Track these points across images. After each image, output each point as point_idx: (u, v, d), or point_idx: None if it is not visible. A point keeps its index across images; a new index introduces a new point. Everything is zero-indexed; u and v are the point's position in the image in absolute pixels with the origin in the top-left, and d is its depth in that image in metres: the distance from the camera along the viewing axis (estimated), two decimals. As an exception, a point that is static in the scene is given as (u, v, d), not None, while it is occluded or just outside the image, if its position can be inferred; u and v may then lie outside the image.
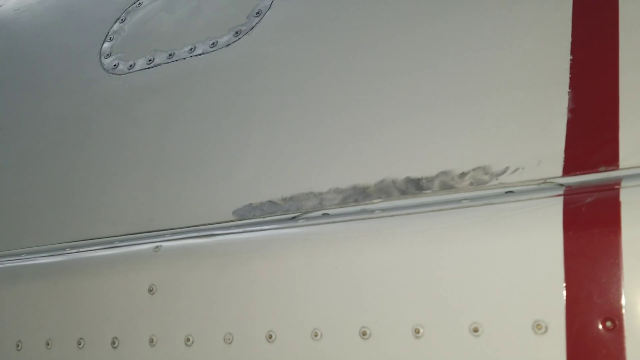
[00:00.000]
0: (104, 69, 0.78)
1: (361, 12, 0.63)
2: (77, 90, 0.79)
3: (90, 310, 0.60)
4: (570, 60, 0.50)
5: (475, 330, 0.43)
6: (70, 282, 0.62)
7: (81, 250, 0.65)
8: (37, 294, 0.63)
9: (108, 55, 0.79)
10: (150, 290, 0.56)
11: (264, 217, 0.57)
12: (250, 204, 0.58)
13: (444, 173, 0.51)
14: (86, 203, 0.69)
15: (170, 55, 0.74)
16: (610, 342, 0.39)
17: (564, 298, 0.40)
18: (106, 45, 0.80)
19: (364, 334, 0.46)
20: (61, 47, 0.85)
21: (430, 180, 0.51)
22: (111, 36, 0.80)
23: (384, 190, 0.52)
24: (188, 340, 0.53)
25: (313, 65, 0.63)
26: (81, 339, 0.59)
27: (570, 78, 0.49)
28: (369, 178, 0.53)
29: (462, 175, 0.50)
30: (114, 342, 0.57)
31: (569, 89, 0.49)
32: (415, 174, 0.52)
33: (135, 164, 0.67)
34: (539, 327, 0.41)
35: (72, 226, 0.68)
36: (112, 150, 0.70)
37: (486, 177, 0.49)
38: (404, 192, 0.51)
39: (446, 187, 0.50)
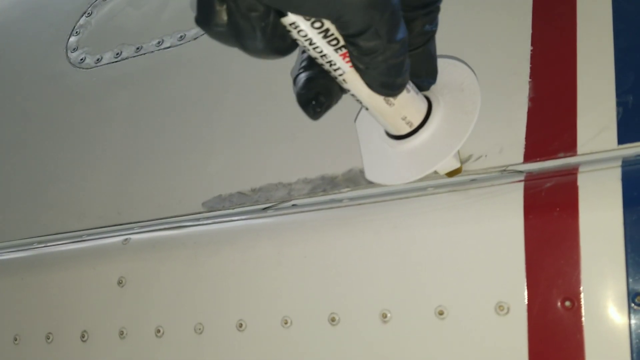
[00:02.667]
0: (70, 63, 0.77)
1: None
2: (43, 84, 0.78)
3: (59, 305, 0.59)
4: (531, 50, 0.51)
5: (441, 313, 0.44)
6: (38, 277, 0.62)
7: (49, 244, 0.64)
8: (4, 290, 0.63)
9: (75, 50, 0.78)
10: (119, 283, 0.56)
11: (233, 209, 0.57)
12: (219, 195, 0.58)
13: (410, 162, 0.52)
14: (54, 197, 0.68)
15: (137, 48, 0.74)
16: (569, 321, 0.40)
17: (525, 280, 0.42)
18: (72, 39, 0.79)
19: (332, 320, 0.47)
20: (27, 41, 0.84)
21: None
22: (77, 30, 0.80)
23: (352, 179, 0.53)
24: (158, 331, 0.53)
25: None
26: (50, 333, 0.59)
27: (531, 68, 0.50)
28: (336, 168, 0.54)
29: (428, 163, 0.51)
30: (83, 336, 0.57)
31: (530, 78, 0.50)
32: (382, 163, 0.53)
33: (103, 157, 0.67)
34: (501, 308, 0.42)
35: (39, 221, 0.68)
36: (80, 144, 0.69)
37: (451, 165, 0.50)
38: (371, 181, 0.52)
39: (412, 175, 0.51)
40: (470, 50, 0.54)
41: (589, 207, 0.41)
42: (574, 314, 0.40)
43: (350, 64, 0.36)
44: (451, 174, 0.48)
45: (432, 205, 0.47)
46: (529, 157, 0.47)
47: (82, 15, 0.80)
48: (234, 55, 0.66)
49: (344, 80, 0.38)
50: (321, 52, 0.36)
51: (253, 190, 0.57)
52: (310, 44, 0.35)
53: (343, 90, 0.40)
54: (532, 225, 0.42)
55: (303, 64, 0.40)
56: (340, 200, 0.52)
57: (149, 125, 0.66)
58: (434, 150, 0.42)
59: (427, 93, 0.43)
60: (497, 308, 0.42)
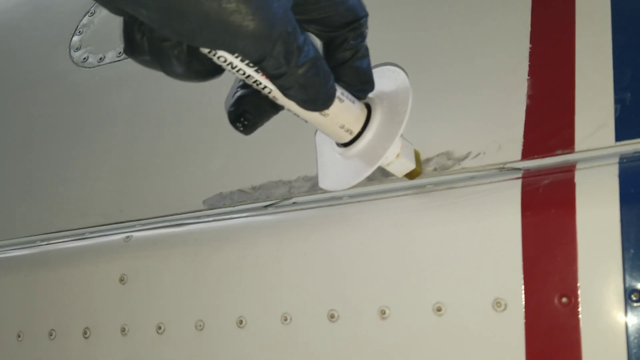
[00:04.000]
0: (73, 62, 0.78)
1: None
2: (46, 83, 0.79)
3: (61, 302, 0.60)
4: (530, 48, 0.51)
5: (439, 309, 0.44)
6: (41, 275, 0.62)
7: (51, 242, 0.65)
8: (7, 287, 0.63)
9: (78, 49, 0.79)
10: (121, 280, 0.57)
11: (233, 206, 0.58)
12: (220, 193, 0.59)
13: (409, 159, 0.52)
14: (57, 195, 0.69)
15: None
16: (565, 317, 0.40)
17: (522, 276, 0.42)
18: (75, 38, 0.80)
19: (332, 316, 0.47)
20: (31, 40, 0.85)
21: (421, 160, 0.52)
22: (80, 29, 0.80)
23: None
24: (160, 328, 0.54)
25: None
26: (52, 330, 0.59)
27: (530, 66, 0.51)
28: (336, 165, 0.54)
29: (427, 161, 0.51)
30: (85, 333, 0.57)
31: (528, 76, 0.50)
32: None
33: (106, 155, 0.67)
34: (498, 304, 0.42)
35: (42, 219, 0.68)
36: (82, 142, 0.70)
37: (449, 163, 0.50)
38: (370, 179, 0.53)
39: (411, 173, 0.51)
40: (470, 48, 0.54)
41: (586, 203, 0.41)
42: (570, 310, 0.40)
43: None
44: (410, 176, 0.49)
45: (431, 202, 0.48)
46: (526, 154, 0.47)
47: (85, 15, 0.81)
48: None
49: (274, 97, 0.40)
50: (244, 74, 0.38)
51: (253, 188, 0.58)
52: (232, 67, 0.37)
53: (277, 106, 0.42)
54: (530, 222, 0.42)
55: (239, 83, 0.42)
56: (340, 198, 0.53)
57: (151, 124, 0.67)
58: (373, 153, 0.44)
59: (367, 100, 0.45)
60: (495, 304, 0.42)
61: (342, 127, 0.43)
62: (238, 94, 0.41)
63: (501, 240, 0.43)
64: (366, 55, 0.42)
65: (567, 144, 0.46)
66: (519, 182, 0.44)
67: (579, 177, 0.42)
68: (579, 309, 0.40)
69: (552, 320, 0.41)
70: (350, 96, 0.43)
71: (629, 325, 0.39)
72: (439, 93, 0.53)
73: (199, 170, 0.61)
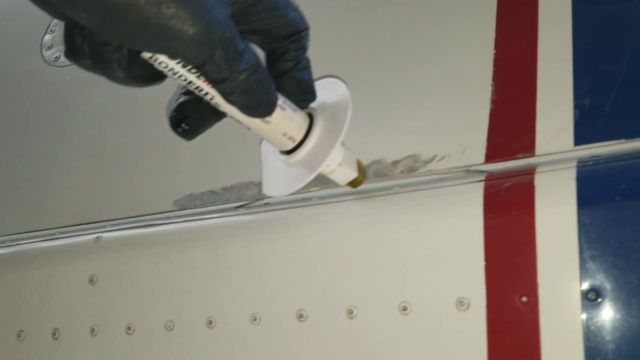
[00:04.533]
0: (45, 61, 0.77)
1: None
2: (17, 82, 0.78)
3: (31, 303, 0.59)
4: (494, 54, 0.53)
5: (405, 309, 0.45)
6: (10, 275, 0.62)
7: (21, 242, 0.65)
8: (-24, 288, 0.63)
9: (49, 48, 0.78)
10: (90, 281, 0.57)
11: (204, 207, 0.58)
12: (191, 194, 0.59)
13: (377, 162, 0.53)
14: (26, 195, 0.68)
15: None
16: (525, 315, 0.42)
17: (484, 276, 0.43)
18: (47, 37, 0.79)
19: (300, 316, 0.48)
20: (2, 38, 0.84)
21: (365, 168, 0.53)
22: (52, 28, 0.80)
23: (321, 179, 0.54)
24: (129, 328, 0.54)
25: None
26: (21, 331, 0.59)
27: (494, 71, 0.52)
28: (306, 167, 0.55)
29: (395, 163, 0.52)
30: (54, 333, 0.57)
31: (492, 81, 0.52)
32: (350, 163, 0.54)
33: (76, 155, 0.67)
34: (462, 303, 0.43)
35: (12, 219, 0.68)
36: (53, 141, 0.70)
37: (417, 165, 0.51)
38: (328, 183, 0.53)
39: (379, 174, 0.52)
40: (437, 54, 0.55)
41: (545, 205, 0.43)
42: (530, 308, 0.42)
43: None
44: (353, 184, 0.50)
45: (398, 204, 0.49)
46: (490, 157, 0.49)
47: (56, 14, 0.80)
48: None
49: (216, 104, 0.40)
50: (186, 79, 0.38)
51: (224, 189, 0.58)
52: (173, 73, 0.38)
53: (220, 113, 0.42)
54: (491, 223, 0.44)
55: (182, 90, 0.43)
56: (310, 199, 0.53)
57: (122, 124, 0.67)
58: (314, 160, 0.45)
59: (309, 110, 0.47)
60: (458, 303, 0.43)
61: (284, 134, 0.44)
62: (180, 100, 0.42)
63: (464, 241, 0.44)
64: (307, 66, 0.44)
65: (528, 147, 0.48)
66: (481, 185, 0.46)
67: (539, 180, 0.44)
68: (539, 308, 0.42)
69: (513, 319, 0.42)
70: (292, 105, 0.44)
71: (586, 322, 0.41)
72: (407, 97, 0.54)
73: (169, 170, 0.61)
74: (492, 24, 0.54)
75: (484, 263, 0.43)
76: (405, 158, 0.52)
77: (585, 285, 0.41)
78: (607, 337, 0.40)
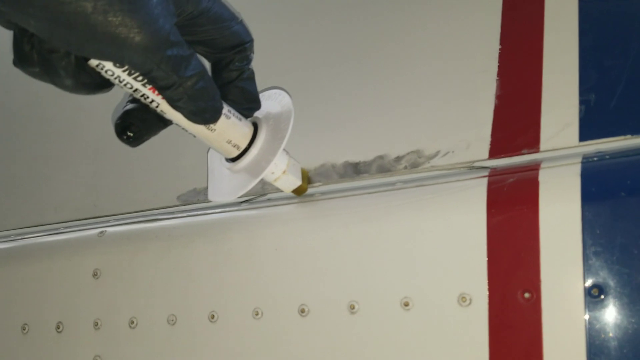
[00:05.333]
0: (50, 57, 0.77)
1: (292, 4, 0.64)
2: (22, 79, 0.78)
3: (35, 296, 0.60)
4: (499, 49, 0.52)
5: (406, 304, 0.45)
6: (15, 269, 0.62)
7: (26, 237, 0.65)
8: (-19, 282, 0.63)
9: (55, 44, 0.78)
10: (94, 275, 0.57)
11: (207, 202, 0.58)
12: (194, 189, 0.59)
13: (380, 157, 0.53)
14: (31, 190, 0.69)
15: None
16: (528, 311, 0.41)
17: (487, 272, 0.43)
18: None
19: (302, 311, 0.48)
20: (4, 34, 0.84)
21: (368, 164, 0.53)
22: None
23: (323, 174, 0.54)
24: (132, 322, 0.54)
25: (256, 54, 0.65)
26: (25, 324, 0.59)
27: (499, 66, 0.52)
28: (309, 163, 0.55)
29: (398, 159, 0.52)
30: (58, 327, 0.57)
31: (497, 76, 0.51)
32: (353, 158, 0.54)
33: (80, 151, 0.67)
34: (464, 299, 0.43)
35: (16, 214, 0.68)
36: (57, 137, 0.70)
37: (420, 161, 0.51)
38: (342, 176, 0.53)
39: (383, 170, 0.52)
40: (442, 49, 0.55)
41: (549, 201, 0.42)
42: (533, 304, 0.41)
43: (161, 96, 0.40)
44: (297, 192, 0.52)
45: (401, 199, 0.48)
46: (494, 153, 0.48)
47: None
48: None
49: (162, 111, 0.41)
50: (132, 87, 0.39)
51: (228, 184, 0.58)
52: (120, 81, 0.39)
53: (165, 121, 0.44)
54: (494, 219, 0.43)
55: (129, 98, 0.44)
56: (312, 195, 0.53)
57: (126, 120, 0.67)
58: (257, 167, 0.46)
59: (253, 119, 0.48)
60: (460, 299, 0.43)
61: (229, 142, 0.46)
62: (126, 107, 0.43)
63: (467, 237, 0.44)
64: (252, 77, 0.46)
65: (533, 143, 0.47)
66: (485, 181, 0.45)
67: (543, 176, 0.44)
68: (541, 304, 0.41)
69: (515, 315, 0.42)
70: (237, 114, 0.45)
71: (589, 319, 0.40)
72: (411, 93, 0.54)
73: (173, 166, 0.61)
74: (497, 19, 0.54)
75: (487, 259, 0.43)
76: (408, 154, 0.52)
77: (589, 282, 0.41)
78: (610, 334, 0.40)
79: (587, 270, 0.41)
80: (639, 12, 0.49)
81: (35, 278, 0.60)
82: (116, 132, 0.44)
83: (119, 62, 0.36)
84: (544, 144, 0.47)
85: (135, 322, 0.54)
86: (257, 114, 0.48)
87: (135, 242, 0.57)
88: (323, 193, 0.53)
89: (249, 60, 0.45)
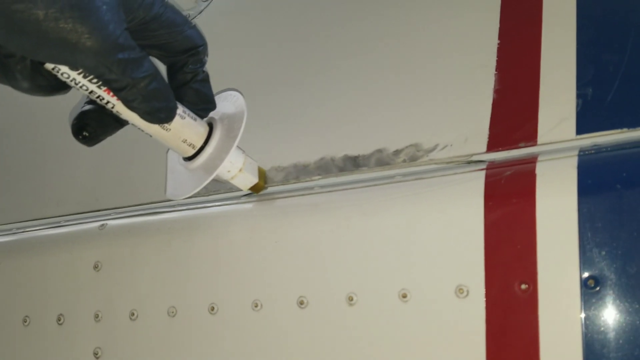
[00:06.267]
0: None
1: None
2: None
3: (36, 289, 0.60)
4: (498, 44, 0.53)
5: (404, 296, 0.45)
6: (16, 262, 0.62)
7: (27, 230, 0.65)
8: (-18, 275, 0.64)
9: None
10: (95, 267, 0.57)
11: (207, 195, 0.59)
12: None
13: (379, 151, 0.53)
14: (32, 184, 0.69)
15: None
16: (524, 303, 0.42)
17: (484, 264, 0.43)
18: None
19: (301, 303, 0.48)
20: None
21: (367, 157, 0.53)
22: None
23: (323, 167, 0.55)
24: (133, 314, 0.55)
25: (258, 49, 0.65)
26: (27, 316, 0.60)
27: (497, 61, 0.52)
28: (309, 156, 0.56)
29: (397, 152, 0.52)
30: (59, 319, 0.58)
31: (496, 71, 0.52)
32: (352, 152, 0.54)
33: (81, 144, 0.67)
34: (461, 291, 0.44)
35: (18, 207, 0.69)
36: (58, 131, 0.70)
37: (418, 154, 0.52)
38: (342, 169, 0.54)
39: (382, 163, 0.53)
40: (441, 43, 0.55)
41: (546, 194, 0.43)
42: (529, 296, 0.42)
43: (116, 97, 0.42)
44: (254, 189, 0.54)
45: (399, 192, 0.49)
46: (492, 146, 0.49)
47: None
48: (213, 47, 0.68)
49: (117, 112, 0.43)
50: (87, 89, 0.41)
51: (228, 178, 0.58)
52: (75, 83, 0.40)
53: (122, 121, 0.45)
54: (492, 211, 0.44)
55: (86, 99, 0.46)
56: (312, 188, 0.54)
57: (127, 114, 0.67)
58: (212, 165, 0.48)
59: (209, 119, 0.50)
60: (457, 291, 0.44)
61: (184, 141, 0.47)
62: (83, 108, 0.45)
63: (464, 229, 0.44)
64: (206, 79, 0.48)
65: (530, 137, 0.48)
66: (482, 174, 0.46)
67: (540, 169, 0.44)
68: (538, 295, 0.42)
69: (512, 306, 0.42)
70: (192, 114, 0.47)
71: (584, 310, 0.41)
72: (409, 86, 0.54)
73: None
74: (496, 14, 0.54)
75: (484, 251, 0.43)
76: (407, 147, 0.52)
77: (585, 273, 0.41)
78: (606, 325, 0.40)
79: (583, 261, 0.41)
80: (636, 7, 0.50)
81: (36, 271, 0.61)
82: (72, 132, 0.45)
83: (72, 66, 0.39)
84: (541, 137, 0.47)
85: (135, 314, 0.54)
86: (212, 114, 0.50)
87: (136, 235, 0.57)
88: (322, 186, 0.53)
89: (202, 63, 0.47)
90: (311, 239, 0.50)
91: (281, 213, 0.53)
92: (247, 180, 0.52)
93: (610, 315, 0.40)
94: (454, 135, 0.50)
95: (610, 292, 0.40)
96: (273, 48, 0.65)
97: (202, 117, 0.49)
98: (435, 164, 0.50)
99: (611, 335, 0.40)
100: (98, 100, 0.42)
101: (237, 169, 0.51)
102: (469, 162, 0.49)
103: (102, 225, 0.60)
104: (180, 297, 0.53)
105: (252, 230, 0.52)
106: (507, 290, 0.42)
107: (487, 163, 0.47)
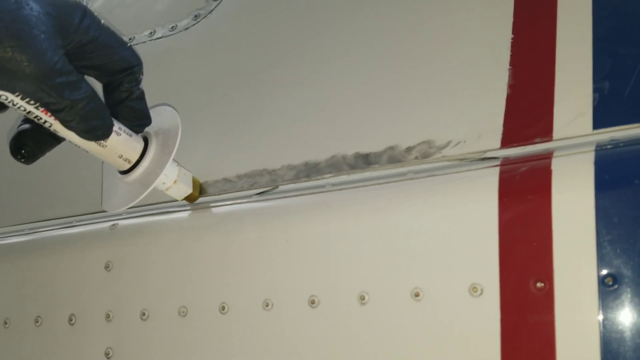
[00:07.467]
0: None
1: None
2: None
3: (48, 289, 0.60)
4: (512, 38, 0.52)
5: (417, 295, 0.44)
6: (28, 262, 0.63)
7: (39, 230, 0.65)
8: (-5, 275, 0.64)
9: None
10: (106, 267, 0.57)
11: (218, 194, 0.58)
12: (205, 181, 0.59)
13: (391, 148, 0.52)
14: (44, 184, 0.69)
15: (130, 39, 0.74)
16: (540, 301, 0.41)
17: (498, 262, 0.42)
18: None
19: (312, 302, 0.48)
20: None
21: (379, 155, 0.53)
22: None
23: (334, 165, 0.54)
24: (144, 314, 0.54)
25: (268, 47, 0.65)
26: (39, 316, 0.60)
27: (511, 56, 0.51)
28: (319, 154, 0.55)
29: (409, 149, 0.52)
30: (70, 319, 0.58)
31: (510, 66, 0.51)
32: (364, 149, 0.54)
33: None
34: (475, 290, 0.43)
35: (30, 207, 0.69)
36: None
37: (431, 151, 0.51)
38: (353, 167, 0.53)
39: (393, 161, 0.52)
40: (455, 38, 0.54)
41: (562, 190, 0.42)
42: (545, 294, 0.41)
43: (54, 117, 0.43)
44: (188, 199, 0.56)
45: (411, 190, 0.48)
46: (506, 142, 0.48)
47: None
48: (223, 46, 0.68)
49: (55, 130, 0.45)
50: (25, 110, 0.42)
51: (238, 177, 0.58)
52: (14, 104, 0.42)
53: (59, 138, 0.47)
54: (506, 208, 0.43)
55: (23, 117, 0.47)
56: (323, 186, 0.53)
57: (138, 114, 0.67)
58: (148, 178, 0.50)
59: (145, 134, 0.52)
60: (471, 289, 0.43)
61: (120, 156, 0.49)
62: (20, 128, 0.47)
63: (478, 226, 0.43)
64: (141, 97, 0.49)
65: (546, 132, 0.47)
66: (497, 170, 0.45)
67: (556, 165, 0.43)
68: (554, 294, 0.41)
69: (527, 305, 0.41)
70: (128, 130, 0.49)
71: (602, 309, 0.40)
72: (422, 82, 0.53)
73: (184, 159, 0.61)
74: (510, 8, 0.53)
75: (499, 248, 0.42)
76: (419, 144, 0.51)
77: (602, 271, 0.40)
78: (624, 324, 0.39)
79: (601, 259, 0.40)
80: (654, -1, 0.49)
81: (48, 271, 0.61)
82: (11, 152, 0.48)
83: (11, 92, 0.40)
84: (557, 132, 0.46)
85: (146, 314, 0.54)
86: (148, 129, 0.51)
87: (147, 234, 0.57)
88: (334, 184, 0.53)
89: (138, 81, 0.49)
90: (322, 238, 0.49)
91: (292, 212, 0.52)
92: (181, 190, 0.54)
93: (629, 314, 0.39)
94: (467, 131, 0.49)
95: (629, 290, 0.39)
96: (283, 46, 0.64)
97: (137, 132, 0.50)
98: (448, 160, 0.49)
99: (630, 334, 0.39)
100: (36, 119, 0.43)
101: (172, 181, 0.53)
102: (483, 159, 0.48)
103: (113, 225, 0.60)
104: (191, 296, 0.53)
105: (262, 229, 0.52)
106: (522, 288, 0.41)
107: (501, 159, 0.46)
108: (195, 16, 0.72)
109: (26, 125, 0.47)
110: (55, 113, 0.42)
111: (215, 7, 0.71)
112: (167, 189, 0.53)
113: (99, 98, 0.44)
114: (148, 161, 0.50)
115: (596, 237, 0.40)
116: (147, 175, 0.50)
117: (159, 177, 0.50)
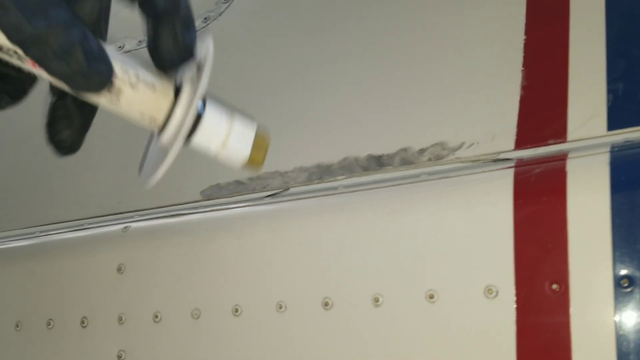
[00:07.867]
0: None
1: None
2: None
3: (60, 292, 0.60)
4: (524, 40, 0.52)
5: (432, 296, 0.44)
6: (40, 265, 0.63)
7: (51, 233, 0.66)
8: (7, 278, 0.64)
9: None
10: (119, 270, 0.57)
11: (230, 197, 0.58)
12: (218, 184, 0.59)
13: (404, 150, 0.52)
14: (56, 187, 0.69)
15: (139, 42, 0.74)
16: (556, 303, 0.41)
17: (513, 264, 0.42)
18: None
19: (326, 304, 0.48)
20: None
21: (391, 157, 0.53)
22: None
23: (347, 167, 0.54)
24: (156, 317, 0.54)
25: (279, 49, 0.65)
26: (50, 319, 0.60)
27: (524, 57, 0.51)
28: (332, 156, 0.55)
29: (421, 151, 0.52)
30: (83, 322, 0.58)
31: (523, 67, 0.50)
32: (376, 151, 0.53)
33: (104, 147, 0.68)
34: (490, 291, 0.42)
35: (41, 210, 0.69)
36: (82, 134, 0.70)
37: (444, 152, 0.51)
38: (365, 169, 0.53)
39: (406, 162, 0.52)
40: (467, 40, 0.54)
41: (577, 191, 0.42)
42: (561, 296, 0.41)
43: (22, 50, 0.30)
44: (251, 164, 0.36)
45: (425, 191, 0.48)
46: (520, 144, 0.48)
47: None
48: (233, 48, 0.68)
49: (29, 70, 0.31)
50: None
51: (250, 179, 0.58)
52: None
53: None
54: (521, 210, 0.43)
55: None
56: (336, 188, 0.53)
57: (149, 116, 0.67)
58: (173, 140, 0.35)
59: (182, 78, 0.35)
60: (486, 291, 0.43)
61: (142, 113, 0.35)
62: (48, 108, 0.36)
63: (493, 228, 0.43)
64: (188, 23, 0.34)
65: (560, 133, 0.46)
66: (511, 172, 0.45)
67: (571, 166, 0.43)
68: (569, 296, 0.40)
69: (543, 307, 0.41)
70: (150, 77, 0.34)
71: (618, 311, 0.39)
72: (435, 83, 0.53)
73: (196, 161, 0.61)
74: (522, 9, 0.53)
75: (514, 250, 0.42)
76: (432, 146, 0.51)
77: (618, 273, 0.40)
78: (642, 326, 0.39)
79: (617, 261, 0.40)
80: (668, 0, 0.48)
81: (59, 274, 0.61)
82: (51, 147, 0.36)
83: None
84: (571, 134, 0.46)
85: (159, 317, 0.54)
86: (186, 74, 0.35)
87: (159, 237, 0.57)
88: (346, 186, 0.53)
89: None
90: (335, 240, 0.49)
91: (305, 214, 0.52)
92: (234, 152, 0.36)
93: (646, 316, 0.39)
94: (481, 133, 0.49)
95: (646, 292, 0.39)
96: (293, 48, 0.64)
97: (172, 71, 0.35)
98: (462, 162, 0.49)
99: (648, 336, 0.39)
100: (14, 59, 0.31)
101: (219, 139, 0.36)
102: (497, 160, 0.48)
103: (125, 227, 0.60)
104: (204, 299, 0.53)
105: (275, 231, 0.52)
106: (537, 290, 0.41)
107: (515, 161, 0.46)
108: (205, 18, 0.72)
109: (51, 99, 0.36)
110: (20, 45, 0.30)
111: (225, 9, 0.71)
112: (216, 152, 0.36)
113: (90, 34, 0.31)
114: (179, 114, 0.34)
115: (612, 238, 0.40)
116: (176, 133, 0.35)
117: (196, 137, 0.35)
